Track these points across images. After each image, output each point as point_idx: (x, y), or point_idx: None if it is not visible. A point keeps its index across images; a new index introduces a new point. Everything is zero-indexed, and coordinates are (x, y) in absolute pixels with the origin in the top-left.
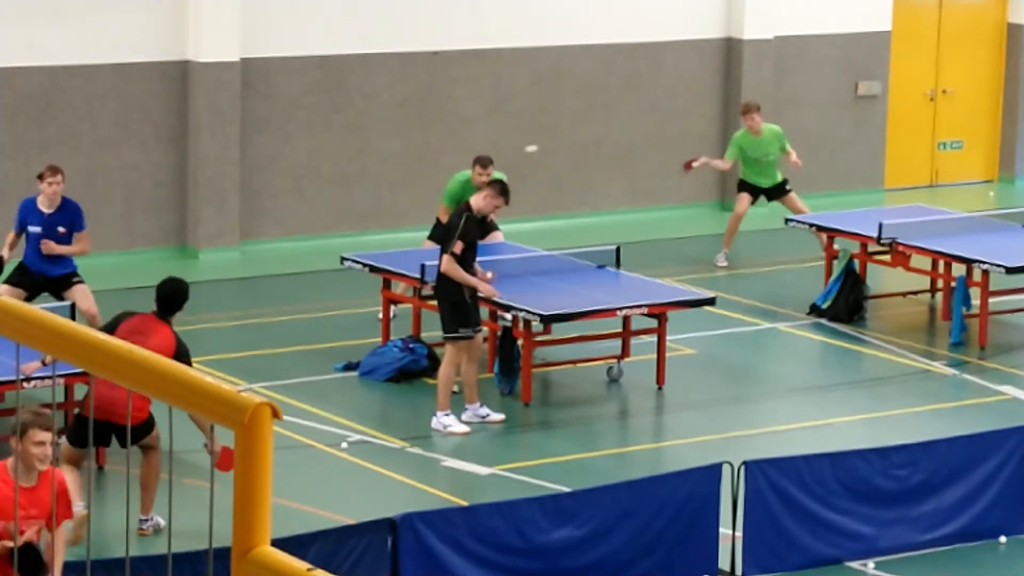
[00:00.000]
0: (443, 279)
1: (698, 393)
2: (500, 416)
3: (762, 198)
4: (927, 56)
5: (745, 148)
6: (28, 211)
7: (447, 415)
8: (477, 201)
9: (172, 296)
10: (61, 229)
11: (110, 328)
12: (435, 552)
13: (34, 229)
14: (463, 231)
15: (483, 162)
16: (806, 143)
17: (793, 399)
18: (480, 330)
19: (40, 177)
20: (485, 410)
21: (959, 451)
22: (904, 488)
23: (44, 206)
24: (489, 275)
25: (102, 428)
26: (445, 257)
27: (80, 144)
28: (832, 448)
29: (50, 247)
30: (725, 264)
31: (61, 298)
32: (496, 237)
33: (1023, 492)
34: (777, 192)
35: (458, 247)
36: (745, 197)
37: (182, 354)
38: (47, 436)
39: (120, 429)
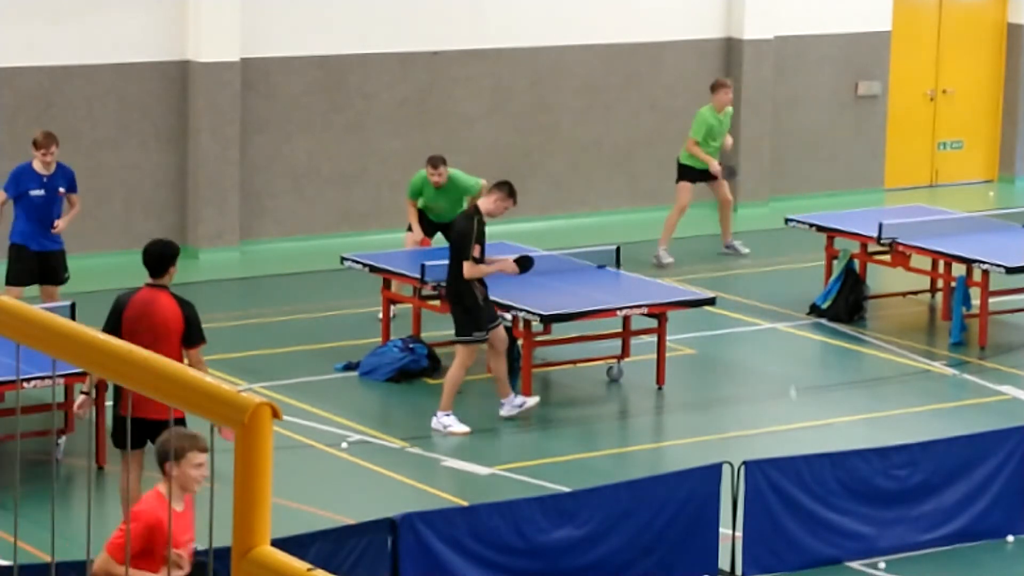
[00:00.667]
0: (456, 283)
1: (698, 393)
2: (535, 399)
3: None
4: (927, 56)
5: (712, 125)
6: (25, 177)
7: (447, 415)
8: (486, 204)
9: (159, 257)
10: (61, 190)
11: (116, 318)
12: (435, 552)
13: (36, 193)
14: (478, 234)
15: (434, 162)
16: (806, 143)
17: (793, 399)
18: (499, 323)
19: (36, 145)
20: (520, 399)
21: (959, 451)
22: (904, 488)
23: (42, 170)
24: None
25: (140, 427)
26: (467, 264)
27: (80, 144)
28: (832, 448)
29: (60, 227)
30: (671, 260)
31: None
32: None
33: (1023, 492)
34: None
35: (476, 251)
36: (687, 187)
37: (190, 314)
38: (205, 457)
39: (159, 427)
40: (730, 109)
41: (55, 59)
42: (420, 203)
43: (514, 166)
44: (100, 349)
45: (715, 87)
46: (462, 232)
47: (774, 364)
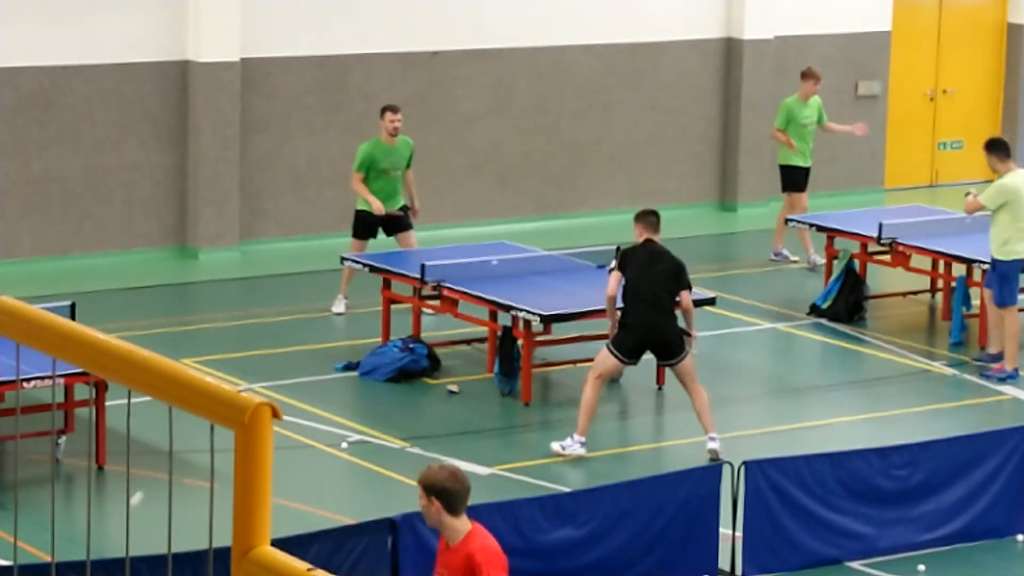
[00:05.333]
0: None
1: None
2: (583, 451)
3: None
4: (927, 56)
5: (795, 114)
6: None
7: (572, 438)
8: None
9: None
10: None
11: None
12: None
13: None
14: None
15: (394, 107)
16: None
17: (793, 399)
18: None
19: None
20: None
21: (959, 451)
22: (904, 488)
23: None
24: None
25: None
26: (686, 293)
27: (80, 144)
28: (832, 448)
29: None
30: (814, 263)
31: None
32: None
33: (1023, 492)
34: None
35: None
36: (801, 193)
37: None
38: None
39: None
40: (816, 99)
41: (55, 59)
42: (371, 178)
43: (514, 166)
44: (100, 349)
45: (806, 76)
46: (680, 265)
47: (774, 364)
